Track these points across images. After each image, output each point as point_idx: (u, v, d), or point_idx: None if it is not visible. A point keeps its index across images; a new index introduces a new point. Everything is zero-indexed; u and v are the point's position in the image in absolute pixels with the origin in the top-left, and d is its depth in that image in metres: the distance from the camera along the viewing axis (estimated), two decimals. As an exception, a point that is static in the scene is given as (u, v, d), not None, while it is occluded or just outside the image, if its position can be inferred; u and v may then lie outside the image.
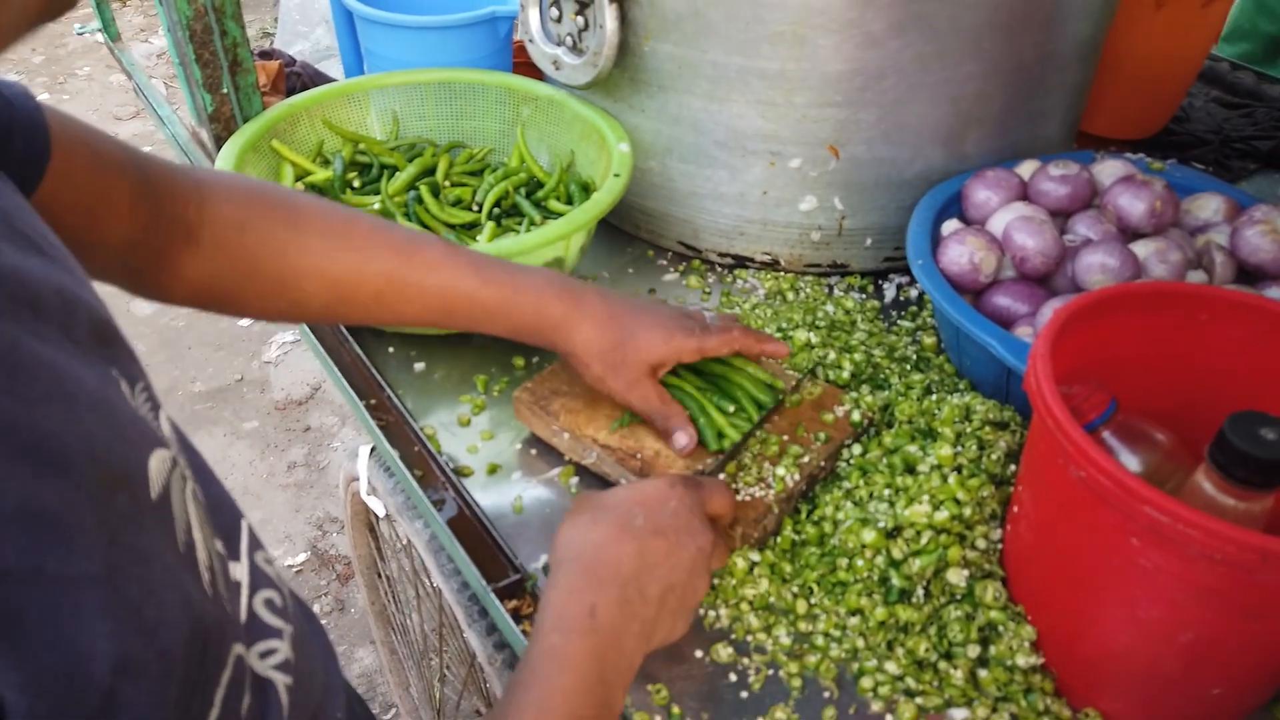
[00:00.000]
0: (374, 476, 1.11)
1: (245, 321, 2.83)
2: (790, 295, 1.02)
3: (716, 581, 0.71)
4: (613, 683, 0.55)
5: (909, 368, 0.89)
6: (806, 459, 0.76)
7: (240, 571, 0.43)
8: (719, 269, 1.07)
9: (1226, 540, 0.49)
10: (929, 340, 0.93)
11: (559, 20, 1.00)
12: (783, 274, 1.05)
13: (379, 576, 1.49)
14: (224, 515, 0.44)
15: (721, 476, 0.75)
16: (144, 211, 0.63)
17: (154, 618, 0.33)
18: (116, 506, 0.33)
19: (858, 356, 0.88)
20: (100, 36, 1.52)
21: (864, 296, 1.02)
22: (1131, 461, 0.64)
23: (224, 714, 0.36)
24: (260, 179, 0.84)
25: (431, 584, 1.22)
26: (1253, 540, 0.48)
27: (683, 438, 0.75)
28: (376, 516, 1.36)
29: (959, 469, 0.71)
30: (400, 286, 0.71)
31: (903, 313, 0.99)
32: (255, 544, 0.46)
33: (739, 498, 0.73)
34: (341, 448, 2.40)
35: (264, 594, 0.44)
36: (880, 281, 1.05)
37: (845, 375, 0.86)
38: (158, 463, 0.36)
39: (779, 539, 0.73)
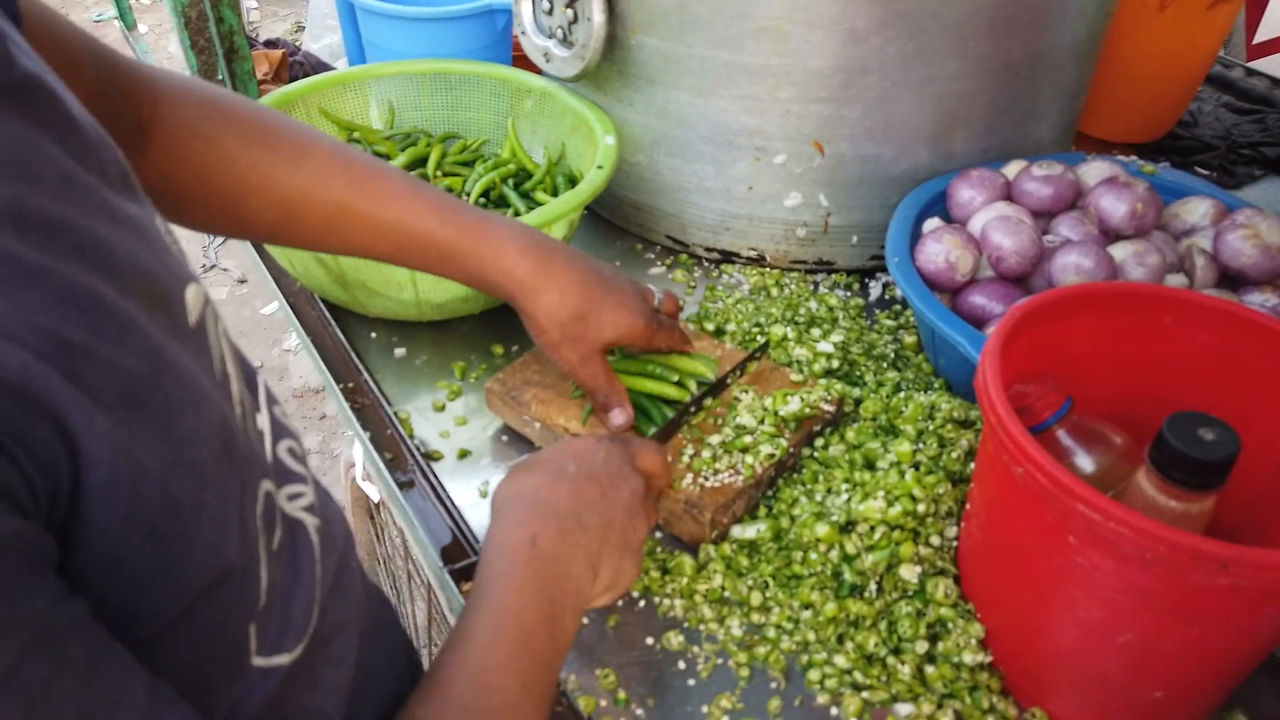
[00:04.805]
0: (370, 462, 1.13)
1: (267, 310, 2.87)
2: (775, 291, 1.02)
3: (670, 579, 0.71)
4: (561, 604, 0.55)
5: (885, 365, 0.89)
6: (775, 450, 0.76)
7: (263, 421, 0.44)
8: (705, 264, 1.07)
9: (1156, 540, 0.49)
10: (910, 339, 0.93)
11: (550, 13, 1.00)
12: (768, 270, 1.05)
13: (379, 563, 1.50)
14: (246, 367, 0.45)
15: (686, 462, 0.75)
16: (101, 108, 0.57)
17: (191, 429, 0.35)
18: (159, 321, 0.35)
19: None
20: (116, 24, 1.55)
21: (849, 294, 1.02)
22: (1086, 461, 0.63)
23: (264, 543, 0.39)
24: (225, 88, 0.80)
25: (420, 574, 1.23)
26: (1182, 540, 0.48)
27: (620, 416, 0.77)
28: (373, 503, 1.38)
29: (917, 466, 0.71)
30: (351, 215, 0.68)
31: (887, 311, 0.99)
32: (271, 398, 0.47)
33: (708, 485, 0.74)
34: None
35: (285, 442, 0.45)
36: (866, 280, 1.04)
37: (819, 370, 0.86)
38: (193, 294, 0.39)
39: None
